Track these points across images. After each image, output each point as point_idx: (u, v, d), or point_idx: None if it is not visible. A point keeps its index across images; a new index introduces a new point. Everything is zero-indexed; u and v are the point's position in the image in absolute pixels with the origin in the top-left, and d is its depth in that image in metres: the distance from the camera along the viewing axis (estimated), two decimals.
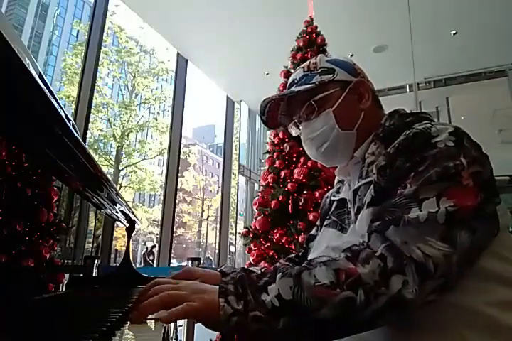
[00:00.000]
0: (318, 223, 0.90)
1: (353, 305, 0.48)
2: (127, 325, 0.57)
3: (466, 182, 0.54)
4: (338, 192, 0.84)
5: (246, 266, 3.50)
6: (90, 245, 0.84)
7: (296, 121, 0.80)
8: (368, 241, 0.55)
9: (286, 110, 0.81)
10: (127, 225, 1.22)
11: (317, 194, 3.01)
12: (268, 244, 3.13)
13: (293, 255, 0.95)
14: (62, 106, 0.51)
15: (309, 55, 3.56)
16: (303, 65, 0.80)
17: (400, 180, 0.58)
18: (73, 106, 4.11)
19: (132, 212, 1.14)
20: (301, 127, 0.79)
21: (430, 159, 0.56)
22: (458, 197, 0.53)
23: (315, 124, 0.75)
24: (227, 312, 0.49)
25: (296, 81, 0.78)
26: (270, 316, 0.49)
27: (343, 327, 0.51)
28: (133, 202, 16.75)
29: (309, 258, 0.75)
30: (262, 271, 0.57)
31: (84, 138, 4.32)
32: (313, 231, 0.91)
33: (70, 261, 0.69)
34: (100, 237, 0.93)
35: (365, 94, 0.75)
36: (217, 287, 0.52)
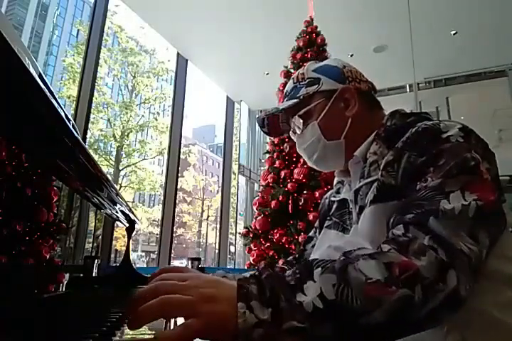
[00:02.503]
0: (316, 225, 0.90)
1: (410, 305, 0.42)
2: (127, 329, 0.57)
3: (486, 176, 0.54)
4: (337, 192, 0.84)
5: (246, 267, 3.49)
6: (90, 245, 0.84)
7: (291, 131, 0.83)
8: (405, 233, 0.49)
9: (285, 119, 0.83)
10: (127, 225, 1.22)
11: (317, 194, 3.02)
12: (268, 244, 3.13)
13: (291, 257, 0.95)
14: (62, 106, 0.51)
15: (309, 55, 3.56)
16: (293, 76, 0.82)
17: (416, 175, 0.57)
18: (73, 106, 4.11)
19: (132, 212, 1.14)
20: (294, 138, 0.82)
21: (447, 152, 0.56)
22: (480, 191, 0.52)
23: (304, 137, 0.78)
24: (250, 323, 0.38)
25: (287, 93, 0.81)
26: (312, 322, 0.39)
27: (393, 330, 0.43)
28: (133, 202, 16.76)
29: (311, 258, 0.75)
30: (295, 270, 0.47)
31: (84, 138, 4.32)
32: (311, 233, 0.91)
33: (70, 261, 0.69)
34: (100, 237, 0.93)
35: (351, 100, 0.75)
36: (235, 286, 0.41)
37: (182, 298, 0.40)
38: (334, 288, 0.41)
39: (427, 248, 0.45)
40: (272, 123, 0.84)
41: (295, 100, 0.77)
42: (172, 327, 0.42)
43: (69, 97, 10.75)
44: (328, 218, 0.81)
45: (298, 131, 0.79)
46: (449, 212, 0.49)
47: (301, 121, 0.77)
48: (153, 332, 0.54)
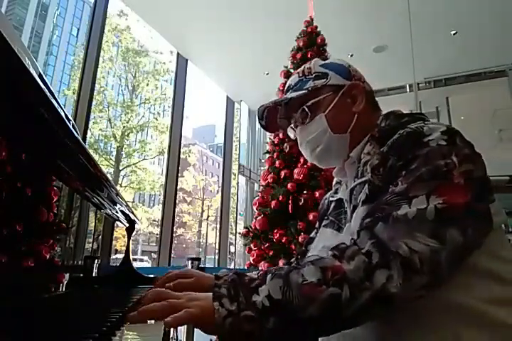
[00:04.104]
0: (316, 225, 0.91)
1: (339, 302, 0.49)
2: (127, 325, 0.57)
3: (457, 181, 0.55)
4: (336, 192, 0.85)
5: (246, 267, 3.50)
6: (90, 245, 0.84)
7: (293, 125, 0.82)
8: (356, 238, 0.55)
9: (284, 114, 0.83)
10: (127, 225, 1.23)
11: (317, 194, 3.02)
12: (268, 244, 3.13)
13: (293, 259, 0.96)
14: (63, 106, 0.51)
15: (309, 55, 3.56)
16: (298, 70, 0.82)
17: (392, 178, 0.59)
18: (73, 105, 4.11)
19: (132, 212, 1.14)
20: (297, 131, 0.81)
21: (422, 157, 0.57)
22: (448, 194, 0.53)
23: (309, 128, 0.77)
24: (222, 315, 0.49)
25: (291, 86, 0.81)
26: (261, 316, 0.49)
27: (329, 324, 0.52)
28: (133, 202, 16.75)
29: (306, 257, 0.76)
30: (258, 275, 0.57)
31: (84, 138, 4.31)
32: (312, 234, 0.92)
33: (70, 261, 0.68)
34: (100, 237, 0.93)
35: (358, 96, 0.76)
36: (211, 293, 0.52)
37: (177, 300, 0.53)
38: (281, 290, 0.50)
39: (359, 253, 0.52)
40: (271, 116, 0.84)
41: (303, 91, 0.76)
42: (172, 330, 0.54)
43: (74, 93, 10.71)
44: (326, 217, 0.82)
45: (302, 123, 0.78)
46: (401, 217, 0.53)
47: (309, 112, 0.77)
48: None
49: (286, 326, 0.50)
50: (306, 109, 0.77)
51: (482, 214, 0.56)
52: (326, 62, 0.81)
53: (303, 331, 0.51)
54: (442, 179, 0.55)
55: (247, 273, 0.59)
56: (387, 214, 0.54)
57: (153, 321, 0.55)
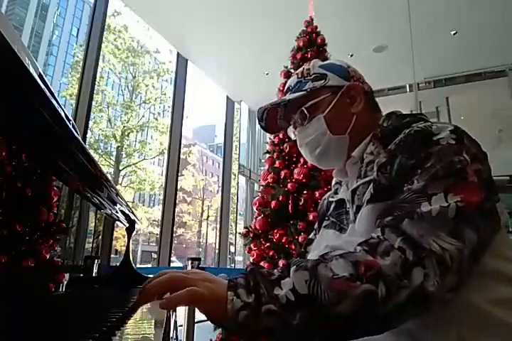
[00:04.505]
0: (316, 226, 0.90)
1: (375, 299, 0.46)
2: (127, 324, 0.57)
3: (472, 179, 0.55)
4: (335, 193, 0.84)
5: (246, 267, 3.50)
6: (90, 245, 0.84)
7: (292, 126, 0.82)
8: (381, 235, 0.53)
9: (283, 115, 0.83)
10: (127, 225, 1.23)
11: (317, 194, 3.01)
12: (268, 244, 3.13)
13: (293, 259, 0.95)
14: (63, 106, 0.51)
15: (309, 55, 3.56)
16: (297, 72, 0.82)
17: (405, 177, 0.58)
18: (73, 105, 4.11)
19: (132, 212, 1.14)
20: (296, 133, 0.81)
21: (435, 155, 0.57)
22: (464, 193, 0.53)
23: (308, 130, 0.77)
24: (236, 306, 0.46)
25: (291, 87, 0.81)
26: (285, 311, 0.46)
27: (362, 323, 0.48)
28: (133, 202, 16.74)
29: (308, 258, 0.75)
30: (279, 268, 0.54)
31: (84, 138, 4.31)
32: (311, 235, 0.91)
33: (70, 261, 0.68)
34: (100, 237, 0.93)
35: (357, 97, 0.76)
36: (227, 281, 0.49)
37: (187, 276, 0.49)
38: (306, 284, 0.47)
39: (393, 249, 0.49)
40: (271, 118, 0.84)
41: (302, 92, 0.76)
42: (172, 330, 0.51)
43: (70, 95, 10.71)
44: (326, 218, 0.82)
45: (301, 125, 0.78)
46: (425, 214, 0.52)
47: (307, 113, 0.76)
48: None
49: (313, 323, 0.47)
50: (305, 111, 0.76)
51: (491, 213, 0.56)
52: (325, 63, 0.81)
53: (330, 330, 0.48)
54: (458, 176, 0.55)
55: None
56: (411, 211, 0.53)
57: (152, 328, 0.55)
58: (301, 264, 0.50)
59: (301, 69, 0.82)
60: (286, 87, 0.83)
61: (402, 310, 0.48)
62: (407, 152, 0.60)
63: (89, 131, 6.97)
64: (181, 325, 2.22)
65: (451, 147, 0.57)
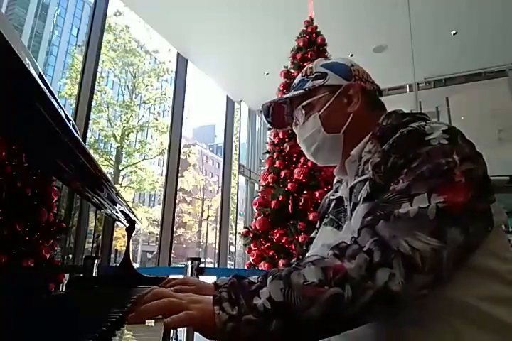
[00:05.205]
0: (317, 225, 0.91)
1: (341, 301, 0.49)
2: (127, 325, 0.57)
3: (458, 179, 0.55)
4: (336, 191, 0.85)
5: (246, 267, 3.50)
6: (90, 245, 0.84)
7: (293, 123, 0.86)
8: (357, 237, 0.55)
9: (290, 111, 0.86)
10: (127, 225, 1.22)
11: (317, 194, 3.02)
12: (268, 244, 3.13)
13: (294, 259, 0.96)
14: (63, 106, 0.51)
15: (309, 55, 3.56)
16: (302, 71, 0.85)
17: (393, 177, 0.59)
18: (74, 104, 4.11)
19: (132, 212, 1.14)
20: (296, 130, 0.84)
21: (423, 156, 0.57)
22: (449, 193, 0.53)
23: (305, 127, 0.80)
24: (223, 319, 0.49)
25: (294, 85, 0.84)
26: (262, 319, 0.48)
27: (332, 325, 0.51)
28: (133, 202, 16.76)
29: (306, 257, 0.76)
30: (258, 277, 0.57)
31: (84, 138, 4.32)
32: (312, 234, 0.92)
33: (70, 261, 0.68)
34: (100, 237, 0.93)
35: (354, 97, 0.77)
36: (212, 297, 0.52)
37: (177, 300, 0.53)
38: (282, 292, 0.50)
39: (361, 251, 0.51)
40: (278, 113, 0.87)
41: (300, 91, 0.79)
42: (171, 330, 0.52)
43: (70, 96, 10.72)
44: (326, 216, 0.83)
45: (300, 122, 0.82)
46: (402, 215, 0.53)
47: (304, 112, 0.79)
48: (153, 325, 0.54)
49: (288, 328, 0.49)
50: (302, 109, 0.80)
51: (482, 213, 0.56)
52: (329, 61, 0.82)
53: (305, 333, 0.50)
54: (443, 177, 0.55)
55: (250, 278, 0.59)
56: (388, 213, 0.54)
57: (152, 323, 0.55)
58: (276, 274, 0.53)
59: (305, 68, 0.84)
60: (292, 85, 0.86)
61: (369, 310, 0.50)
62: (399, 152, 0.60)
63: (89, 131, 6.97)
64: None
65: (441, 147, 0.57)
